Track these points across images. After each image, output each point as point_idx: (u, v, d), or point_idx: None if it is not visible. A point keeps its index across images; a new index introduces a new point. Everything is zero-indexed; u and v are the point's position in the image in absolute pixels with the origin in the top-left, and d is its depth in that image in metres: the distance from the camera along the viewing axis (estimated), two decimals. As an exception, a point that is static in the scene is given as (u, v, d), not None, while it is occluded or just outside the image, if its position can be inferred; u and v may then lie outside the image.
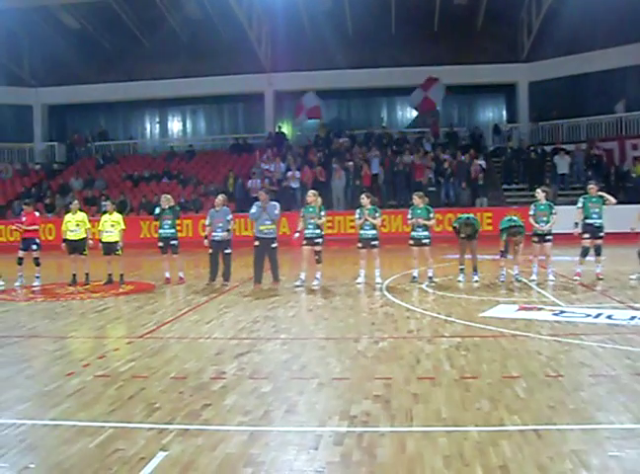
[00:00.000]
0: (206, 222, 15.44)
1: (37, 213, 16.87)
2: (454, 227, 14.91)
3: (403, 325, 10.30)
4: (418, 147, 30.52)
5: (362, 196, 15.12)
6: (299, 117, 32.90)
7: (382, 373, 7.38)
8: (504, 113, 36.14)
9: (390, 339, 9.27)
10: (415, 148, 30.40)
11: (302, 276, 14.63)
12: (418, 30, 32.03)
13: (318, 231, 14.72)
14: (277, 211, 14.85)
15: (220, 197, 15.64)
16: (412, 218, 14.57)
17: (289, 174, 28.76)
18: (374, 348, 8.73)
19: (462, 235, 14.62)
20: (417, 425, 5.74)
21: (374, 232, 14.67)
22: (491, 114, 36.38)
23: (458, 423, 5.75)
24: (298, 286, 14.42)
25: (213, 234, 15.23)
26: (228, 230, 15.18)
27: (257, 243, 14.71)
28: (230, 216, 15.35)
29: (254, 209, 14.95)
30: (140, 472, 4.90)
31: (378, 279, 14.51)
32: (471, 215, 15.26)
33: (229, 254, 15.24)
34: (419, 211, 14.54)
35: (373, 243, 14.65)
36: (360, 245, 14.78)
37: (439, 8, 31.31)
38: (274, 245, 14.78)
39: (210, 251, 15.22)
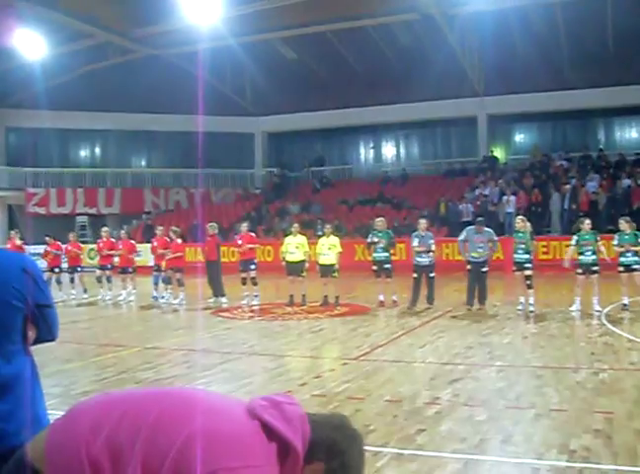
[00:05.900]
0: (414, 244, 15.50)
1: (252, 234, 17.68)
2: None
3: (624, 356, 9.85)
4: (637, 169, 28.92)
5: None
6: None
7: (603, 407, 7.06)
8: None
9: (611, 370, 8.87)
10: (634, 170, 28.84)
11: (522, 299, 14.40)
12: (638, 46, 30.43)
13: (527, 256, 14.38)
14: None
15: (423, 222, 15.72)
16: (619, 244, 14.05)
17: (504, 198, 28.27)
18: (594, 379, 8.39)
19: None
20: (642, 464, 5.44)
21: (594, 257, 14.09)
22: None
23: (692, 464, 5.38)
24: (519, 311, 14.24)
25: (418, 259, 15.30)
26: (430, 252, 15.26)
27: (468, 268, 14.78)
28: (432, 241, 15.37)
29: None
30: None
31: (597, 307, 13.89)
32: None
33: (433, 277, 15.24)
34: (626, 237, 14.00)
35: (594, 268, 14.07)
36: (579, 271, 14.26)
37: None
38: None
39: (415, 275, 15.30)
